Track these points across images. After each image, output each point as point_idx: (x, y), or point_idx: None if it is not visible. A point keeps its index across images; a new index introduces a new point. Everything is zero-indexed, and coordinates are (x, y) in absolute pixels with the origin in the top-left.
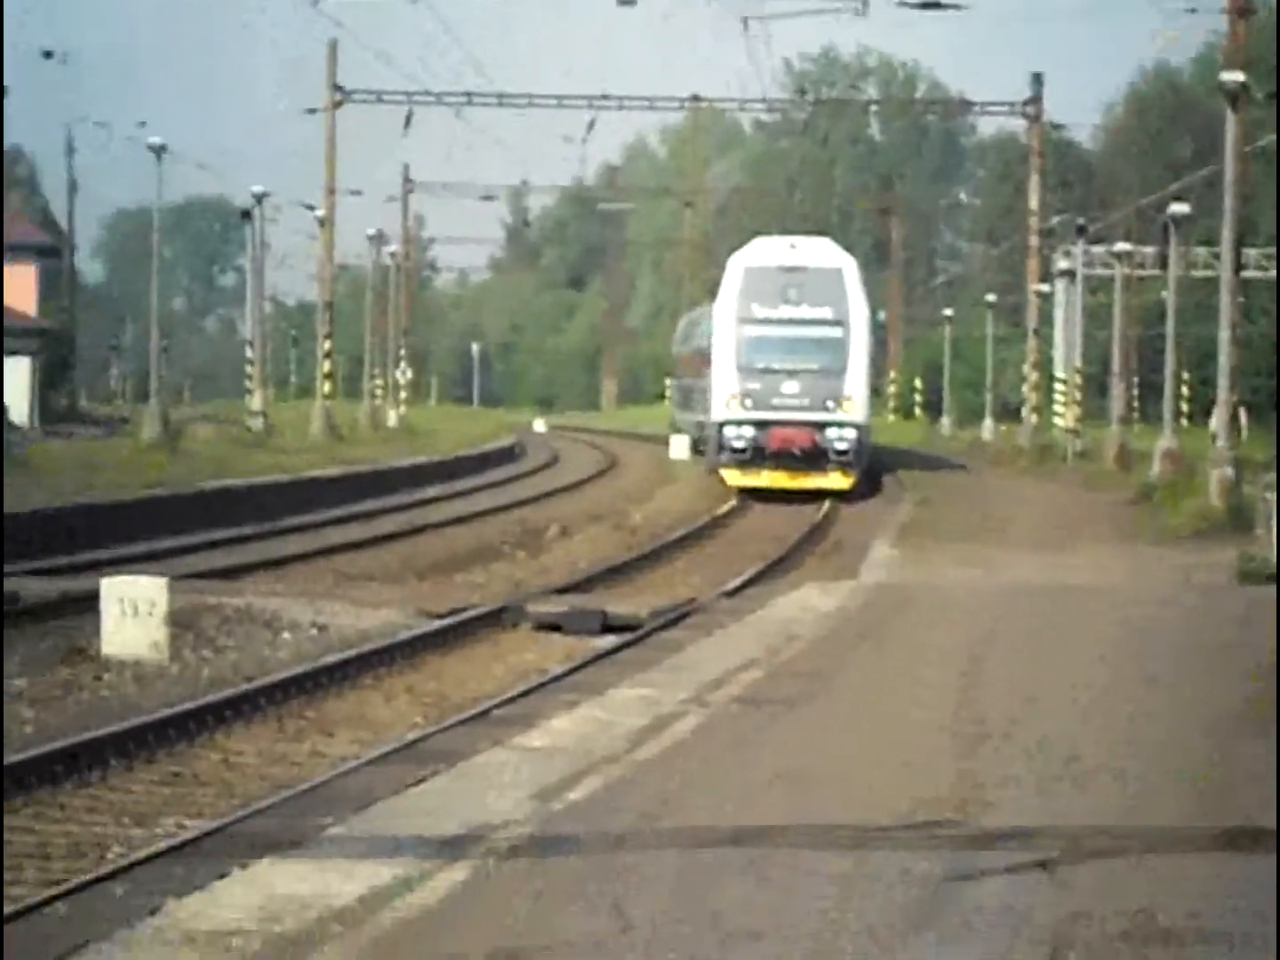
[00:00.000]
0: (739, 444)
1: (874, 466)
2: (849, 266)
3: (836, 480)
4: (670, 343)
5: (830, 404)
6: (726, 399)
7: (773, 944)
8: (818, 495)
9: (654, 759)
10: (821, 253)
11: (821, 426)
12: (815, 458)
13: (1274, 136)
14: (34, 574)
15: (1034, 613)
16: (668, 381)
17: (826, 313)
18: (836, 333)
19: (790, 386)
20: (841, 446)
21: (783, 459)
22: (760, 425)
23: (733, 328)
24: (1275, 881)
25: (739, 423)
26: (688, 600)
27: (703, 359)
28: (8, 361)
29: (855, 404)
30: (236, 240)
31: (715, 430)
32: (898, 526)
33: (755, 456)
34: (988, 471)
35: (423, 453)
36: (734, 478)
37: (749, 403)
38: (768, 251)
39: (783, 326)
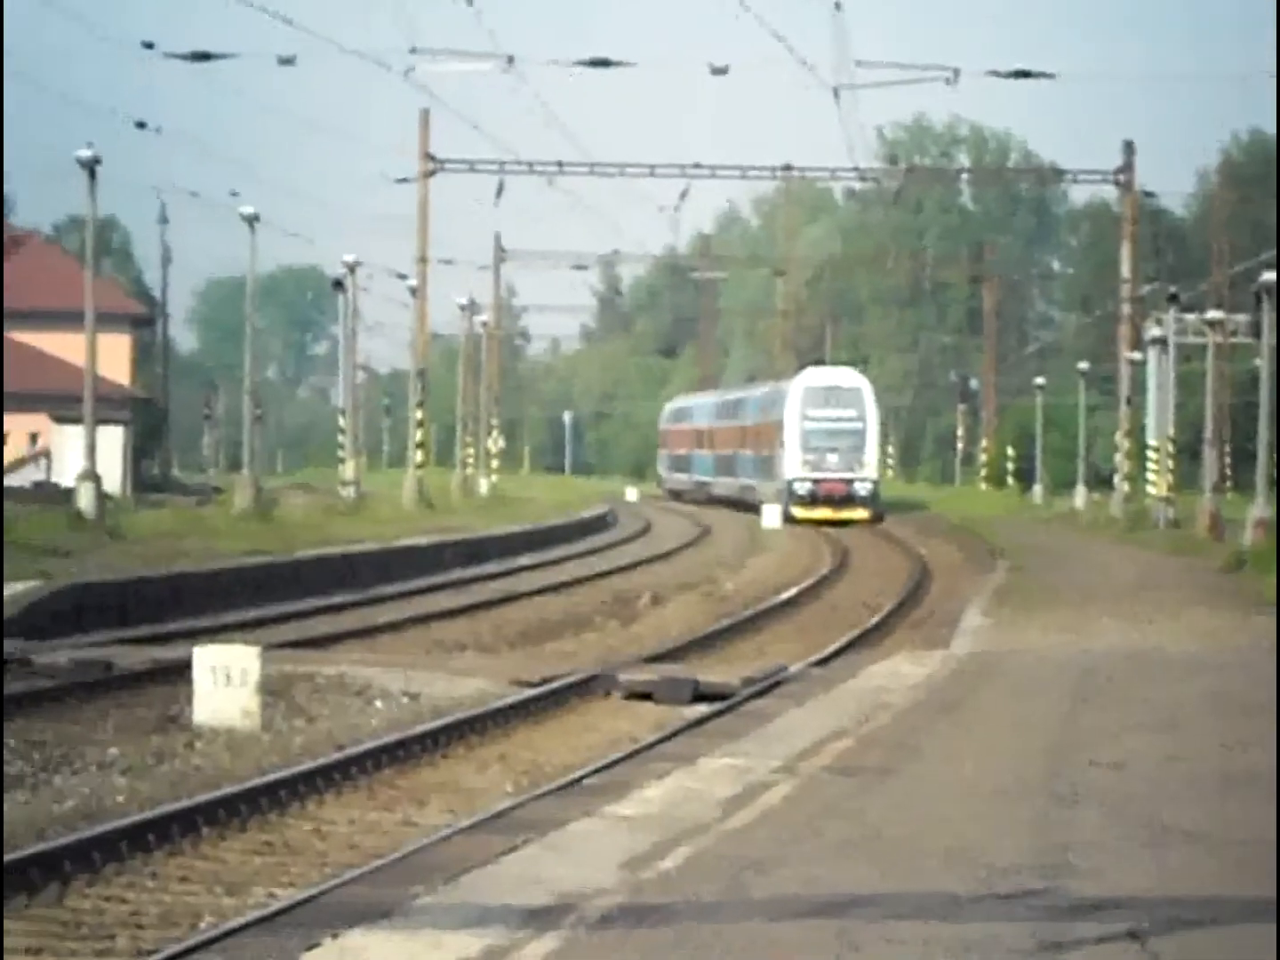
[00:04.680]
0: (802, 491)
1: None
2: (865, 386)
3: (860, 513)
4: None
5: (855, 467)
6: (796, 465)
7: None
8: (849, 523)
9: (744, 828)
10: (849, 377)
11: (850, 481)
12: (847, 500)
13: None
14: (127, 642)
15: (1124, 680)
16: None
17: (852, 414)
18: (859, 425)
19: (832, 457)
20: (863, 493)
21: (828, 500)
22: (815, 481)
23: (798, 422)
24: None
25: (803, 480)
26: (779, 669)
27: (768, 440)
28: (101, 431)
29: (870, 467)
30: (329, 309)
31: (787, 485)
32: (990, 594)
33: (811, 499)
34: (1077, 538)
35: (515, 521)
36: (800, 513)
37: (808, 468)
38: (816, 376)
39: (827, 422)
